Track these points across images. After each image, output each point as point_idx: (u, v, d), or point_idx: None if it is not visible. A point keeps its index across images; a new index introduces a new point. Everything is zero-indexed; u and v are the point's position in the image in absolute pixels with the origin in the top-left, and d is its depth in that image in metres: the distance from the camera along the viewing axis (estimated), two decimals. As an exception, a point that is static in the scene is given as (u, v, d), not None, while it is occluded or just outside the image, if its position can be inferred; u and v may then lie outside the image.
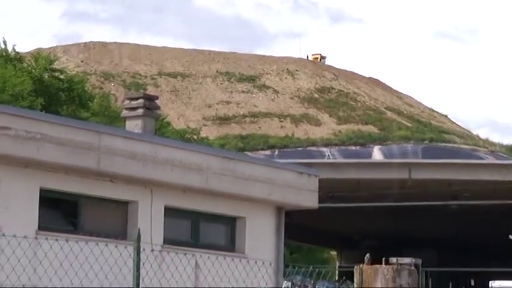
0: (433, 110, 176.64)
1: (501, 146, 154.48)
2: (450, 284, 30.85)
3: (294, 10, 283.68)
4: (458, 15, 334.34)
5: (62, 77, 72.47)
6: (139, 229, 14.61)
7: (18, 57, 71.69)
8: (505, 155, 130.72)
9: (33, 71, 68.09)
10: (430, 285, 25.32)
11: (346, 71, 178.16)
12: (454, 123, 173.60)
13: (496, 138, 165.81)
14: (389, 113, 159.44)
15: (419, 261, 11.42)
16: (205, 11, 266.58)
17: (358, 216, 54.06)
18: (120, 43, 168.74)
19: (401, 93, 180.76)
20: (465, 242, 52.36)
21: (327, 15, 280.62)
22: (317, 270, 48.21)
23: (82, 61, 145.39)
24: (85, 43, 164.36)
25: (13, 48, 71.38)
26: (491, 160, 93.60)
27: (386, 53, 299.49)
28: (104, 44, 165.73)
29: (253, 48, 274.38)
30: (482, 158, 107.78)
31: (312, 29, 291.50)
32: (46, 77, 68.05)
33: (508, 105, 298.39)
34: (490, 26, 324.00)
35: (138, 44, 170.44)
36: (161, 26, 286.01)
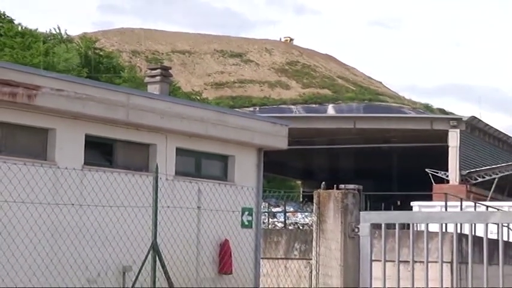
0: (371, 78, 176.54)
1: (420, 104, 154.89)
2: (382, 204, 30.90)
3: (268, 4, 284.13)
4: (387, 8, 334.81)
5: (101, 53, 72.45)
6: (157, 164, 14.57)
7: (69, 39, 71.55)
8: (422, 110, 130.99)
9: (80, 49, 67.92)
10: (368, 204, 25.41)
11: (308, 49, 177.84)
12: (386, 87, 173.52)
13: (416, 98, 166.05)
14: (339, 80, 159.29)
15: (361, 187, 11.41)
16: (204, 4, 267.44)
17: (316, 155, 54.05)
18: (143, 29, 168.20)
19: (348, 65, 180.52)
20: (394, 173, 52.43)
21: (292, 8, 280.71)
22: (286, 194, 48.30)
23: (116, 42, 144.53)
24: (117, 29, 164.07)
25: (65, 32, 71.35)
26: (413, 114, 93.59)
27: (338, 36, 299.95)
28: (131, 30, 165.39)
29: (239, 32, 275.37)
30: (406, 113, 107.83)
31: (282, 18, 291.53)
32: (89, 53, 67.90)
33: (424, 73, 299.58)
34: (410, 16, 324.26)
35: (156, 30, 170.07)
36: (171, 16, 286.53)
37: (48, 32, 70.96)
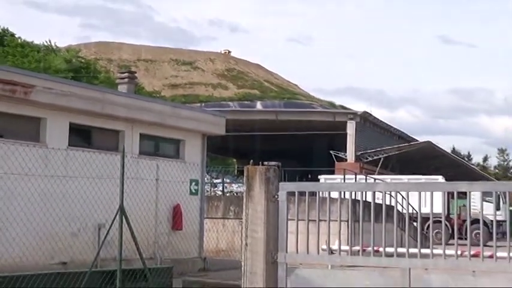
0: (289, 81, 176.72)
1: (326, 101, 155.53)
2: (297, 177, 31.06)
3: (210, 24, 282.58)
4: (301, 28, 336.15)
5: (82, 60, 71.58)
6: (124, 145, 14.36)
7: (58, 49, 70.46)
8: (327, 106, 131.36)
9: (66, 57, 66.90)
10: (286, 177, 25.42)
11: (242, 59, 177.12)
12: (301, 88, 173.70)
13: (323, 97, 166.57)
14: (266, 83, 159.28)
15: (280, 164, 11.42)
16: (161, 24, 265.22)
17: (247, 140, 53.94)
18: (115, 42, 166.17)
19: (273, 72, 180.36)
20: (306, 154, 52.71)
21: (228, 27, 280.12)
22: (224, 169, 48.23)
23: (95, 52, 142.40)
24: (95, 42, 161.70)
25: (54, 44, 70.13)
26: (320, 109, 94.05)
27: (264, 50, 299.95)
28: (106, 43, 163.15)
29: (189, 46, 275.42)
30: (316, 108, 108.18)
31: (221, 35, 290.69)
32: (74, 60, 66.96)
33: (328, 78, 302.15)
34: (317, 35, 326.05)
35: (125, 43, 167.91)
36: (136, 33, 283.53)
37: (41, 43, 69.82)
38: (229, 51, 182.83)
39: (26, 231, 15.76)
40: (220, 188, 41.84)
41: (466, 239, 10.59)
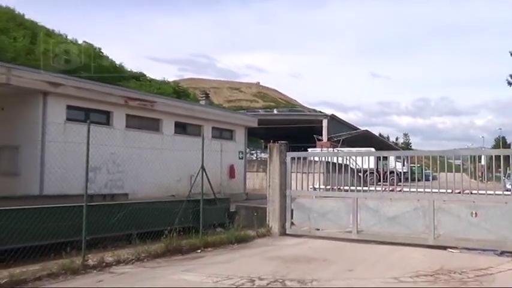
0: (292, 98, 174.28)
1: (312, 109, 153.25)
2: (296, 149, 31.01)
3: (247, 68, 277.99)
4: (293, 69, 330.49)
5: (181, 88, 70.72)
6: (203, 133, 14.22)
7: (167, 82, 69.65)
8: (312, 111, 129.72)
9: (172, 86, 66.24)
10: (290, 149, 25.71)
11: (266, 86, 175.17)
12: (298, 102, 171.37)
13: (309, 106, 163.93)
14: (279, 99, 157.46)
15: (287, 142, 11.50)
16: (220, 68, 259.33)
17: (269, 130, 53.59)
18: (197, 78, 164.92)
19: (282, 93, 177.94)
20: (301, 137, 52.14)
21: (255, 69, 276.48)
22: (256, 145, 47.80)
23: (187, 83, 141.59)
24: (186, 78, 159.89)
25: (166, 79, 69.64)
26: (308, 113, 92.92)
27: (277, 80, 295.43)
28: (192, 79, 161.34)
29: (235, 79, 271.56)
30: (306, 112, 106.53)
31: (252, 73, 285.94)
32: (176, 88, 66.04)
33: (310, 95, 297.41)
34: (305, 72, 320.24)
35: (202, 78, 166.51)
36: (208, 72, 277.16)
37: (159, 79, 69.57)
38: (259, 82, 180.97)
39: (152, 179, 15.90)
40: (255, 156, 41.85)
41: (386, 182, 10.56)
